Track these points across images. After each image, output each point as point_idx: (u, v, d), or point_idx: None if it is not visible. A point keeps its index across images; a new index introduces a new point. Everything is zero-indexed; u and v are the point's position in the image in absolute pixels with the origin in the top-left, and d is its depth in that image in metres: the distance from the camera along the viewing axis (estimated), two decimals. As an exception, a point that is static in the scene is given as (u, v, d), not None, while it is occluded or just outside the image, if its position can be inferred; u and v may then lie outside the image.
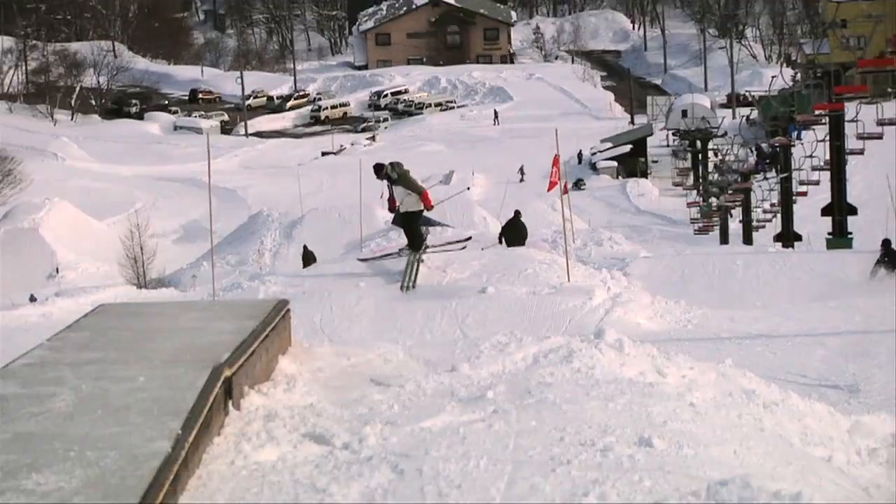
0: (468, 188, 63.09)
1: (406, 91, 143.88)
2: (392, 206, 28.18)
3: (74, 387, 8.60)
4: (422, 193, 26.43)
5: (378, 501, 6.92)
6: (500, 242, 33.61)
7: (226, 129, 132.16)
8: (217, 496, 7.06)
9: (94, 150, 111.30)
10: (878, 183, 46.32)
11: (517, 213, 33.85)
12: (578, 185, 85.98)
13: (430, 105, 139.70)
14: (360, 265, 28.11)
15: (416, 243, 26.00)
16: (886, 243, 28.62)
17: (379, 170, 27.09)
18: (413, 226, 26.75)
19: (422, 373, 10.34)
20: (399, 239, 29.44)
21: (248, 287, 27.34)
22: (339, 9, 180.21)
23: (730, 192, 66.15)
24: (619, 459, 7.55)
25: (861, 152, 48.40)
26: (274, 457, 7.88)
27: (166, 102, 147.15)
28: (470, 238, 32.70)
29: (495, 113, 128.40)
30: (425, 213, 27.48)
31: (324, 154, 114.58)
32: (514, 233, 32.84)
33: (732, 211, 67.15)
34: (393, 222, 30.04)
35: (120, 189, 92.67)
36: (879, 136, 48.44)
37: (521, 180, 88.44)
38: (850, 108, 50.45)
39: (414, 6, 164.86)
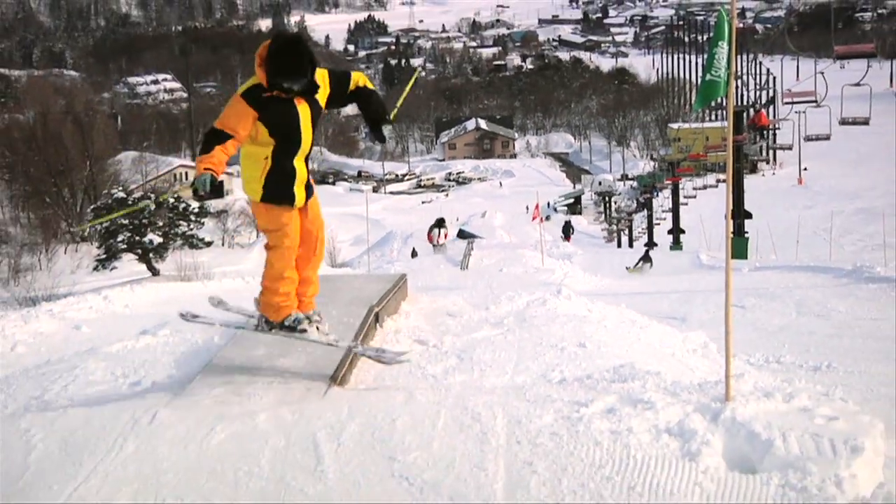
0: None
1: (463, 172, 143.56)
2: (435, 240, 30.45)
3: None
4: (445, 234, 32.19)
5: (450, 373, 6.91)
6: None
7: (375, 190, 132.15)
8: (371, 370, 7.08)
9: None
10: (696, 219, 46.04)
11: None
12: (548, 218, 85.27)
13: (474, 179, 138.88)
14: (440, 257, 28.25)
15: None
16: (647, 250, 27.55)
17: (441, 222, 30.15)
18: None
19: (471, 310, 10.28)
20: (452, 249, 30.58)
21: (385, 267, 27.44)
22: (431, 132, 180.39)
23: (623, 222, 65.81)
24: (569, 353, 7.50)
25: (686, 204, 48.17)
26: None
27: (346, 177, 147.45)
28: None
29: (500, 183, 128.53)
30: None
31: (423, 202, 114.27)
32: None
33: (623, 231, 66.57)
34: (435, 247, 31.94)
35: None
36: (694, 197, 48.67)
37: (527, 212, 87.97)
38: (683, 182, 50.40)
39: (467, 130, 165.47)
